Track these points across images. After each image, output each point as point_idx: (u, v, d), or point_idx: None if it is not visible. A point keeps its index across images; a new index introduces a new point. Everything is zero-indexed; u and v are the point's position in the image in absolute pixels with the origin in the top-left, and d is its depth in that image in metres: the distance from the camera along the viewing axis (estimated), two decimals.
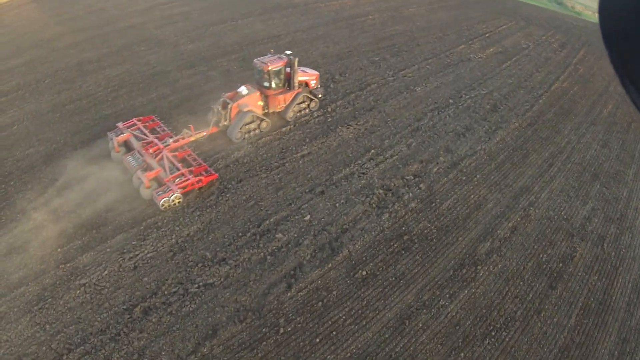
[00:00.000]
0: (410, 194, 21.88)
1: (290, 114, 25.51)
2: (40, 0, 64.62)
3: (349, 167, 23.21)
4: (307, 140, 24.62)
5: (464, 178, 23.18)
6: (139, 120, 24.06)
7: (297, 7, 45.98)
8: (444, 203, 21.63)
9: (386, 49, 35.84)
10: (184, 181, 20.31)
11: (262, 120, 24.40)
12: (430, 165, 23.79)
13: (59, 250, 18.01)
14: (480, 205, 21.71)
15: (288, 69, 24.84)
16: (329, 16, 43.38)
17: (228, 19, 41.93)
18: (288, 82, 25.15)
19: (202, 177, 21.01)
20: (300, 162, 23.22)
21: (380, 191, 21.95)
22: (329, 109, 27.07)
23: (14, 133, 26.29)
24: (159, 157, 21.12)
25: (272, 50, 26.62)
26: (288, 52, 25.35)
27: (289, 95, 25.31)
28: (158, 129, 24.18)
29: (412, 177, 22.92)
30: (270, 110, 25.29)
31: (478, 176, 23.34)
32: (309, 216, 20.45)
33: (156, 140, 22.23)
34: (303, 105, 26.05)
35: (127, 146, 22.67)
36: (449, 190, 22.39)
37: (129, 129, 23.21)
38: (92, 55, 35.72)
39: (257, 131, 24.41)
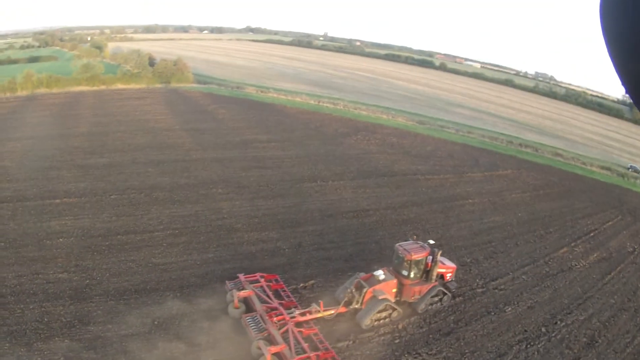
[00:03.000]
0: None
1: (422, 307, 24.00)
2: (146, 99, 69.70)
3: None
4: None
5: None
6: (262, 277, 23.28)
7: (394, 176, 45.14)
8: None
9: (481, 247, 32.20)
10: None
11: (394, 309, 23.06)
12: None
13: None
14: None
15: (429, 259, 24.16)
16: (426, 194, 41.65)
17: (318, 177, 41.62)
18: (426, 273, 24.25)
19: None
20: None
21: None
22: (399, 326, 23.78)
23: (58, 246, 25.86)
24: (283, 329, 19.82)
25: (414, 237, 25.68)
26: (431, 241, 24.74)
27: (425, 287, 24.16)
28: (282, 293, 23.14)
29: None
30: (402, 299, 24.07)
31: None
32: None
33: (282, 309, 21.10)
34: (436, 299, 24.59)
35: (247, 304, 21.70)
36: None
37: (251, 285, 22.32)
38: (168, 181, 36.18)
39: (387, 319, 22.86)
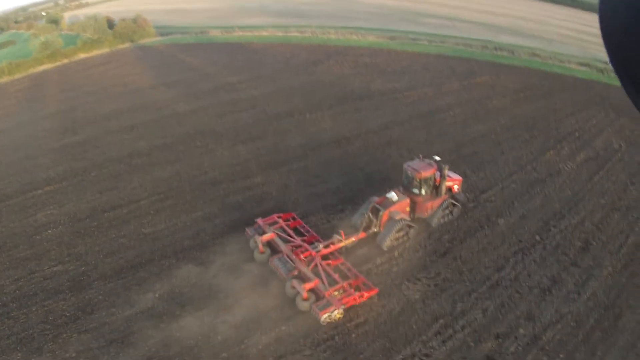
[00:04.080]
0: None
1: (435, 221, 24.86)
2: (110, 63, 67.50)
3: (410, 346, 18.71)
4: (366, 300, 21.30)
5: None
6: (279, 217, 23.65)
7: (372, 97, 43.76)
8: None
9: (467, 159, 31.53)
10: (345, 295, 19.21)
11: (410, 227, 23.77)
12: (507, 342, 19.55)
13: None
14: None
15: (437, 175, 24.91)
16: (406, 111, 40.51)
17: (295, 111, 40.51)
18: (436, 188, 24.93)
19: (363, 292, 19.47)
20: (354, 335, 19.20)
21: None
22: (396, 254, 23.49)
23: (48, 239, 25.44)
24: (312, 265, 20.48)
25: (420, 155, 25.59)
26: (437, 157, 25.30)
27: (437, 202, 24.95)
28: (301, 229, 23.60)
29: None
30: (416, 216, 24.91)
31: (561, 357, 19.25)
32: None
33: (306, 245, 21.73)
34: (447, 212, 25.34)
35: (271, 247, 22.15)
36: None
37: (272, 227, 22.60)
38: (144, 145, 35.36)
39: (405, 238, 23.69)
